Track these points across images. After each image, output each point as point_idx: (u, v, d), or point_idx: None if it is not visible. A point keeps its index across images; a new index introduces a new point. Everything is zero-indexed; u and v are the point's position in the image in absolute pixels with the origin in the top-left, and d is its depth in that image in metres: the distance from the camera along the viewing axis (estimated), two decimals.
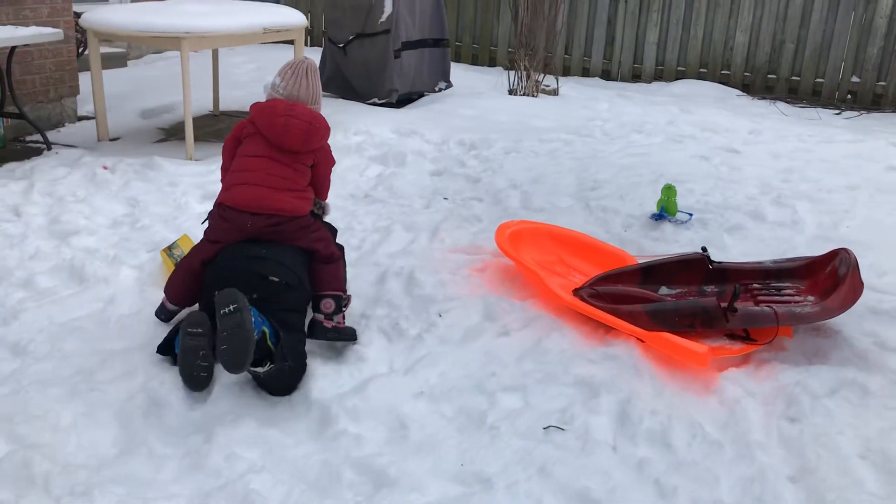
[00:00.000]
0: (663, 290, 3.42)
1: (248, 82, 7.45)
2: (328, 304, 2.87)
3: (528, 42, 7.51)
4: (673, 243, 4.08)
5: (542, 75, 7.61)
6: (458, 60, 9.73)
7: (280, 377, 2.58)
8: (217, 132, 5.90)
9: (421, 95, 7.27)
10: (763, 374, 2.88)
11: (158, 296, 3.14)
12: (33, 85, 5.67)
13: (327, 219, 3.34)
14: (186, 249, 3.38)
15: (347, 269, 3.50)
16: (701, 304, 3.06)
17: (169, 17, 4.89)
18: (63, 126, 5.96)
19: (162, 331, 2.94)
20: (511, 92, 7.60)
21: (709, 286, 3.41)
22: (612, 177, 5.15)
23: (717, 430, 2.55)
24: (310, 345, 2.83)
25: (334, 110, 6.38)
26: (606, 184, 5.00)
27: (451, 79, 7.55)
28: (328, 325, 2.88)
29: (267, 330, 2.53)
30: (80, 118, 6.13)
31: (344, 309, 2.96)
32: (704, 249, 3.45)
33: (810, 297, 3.17)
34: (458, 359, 2.89)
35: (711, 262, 3.42)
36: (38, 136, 5.36)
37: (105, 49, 7.55)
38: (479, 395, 2.69)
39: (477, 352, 2.94)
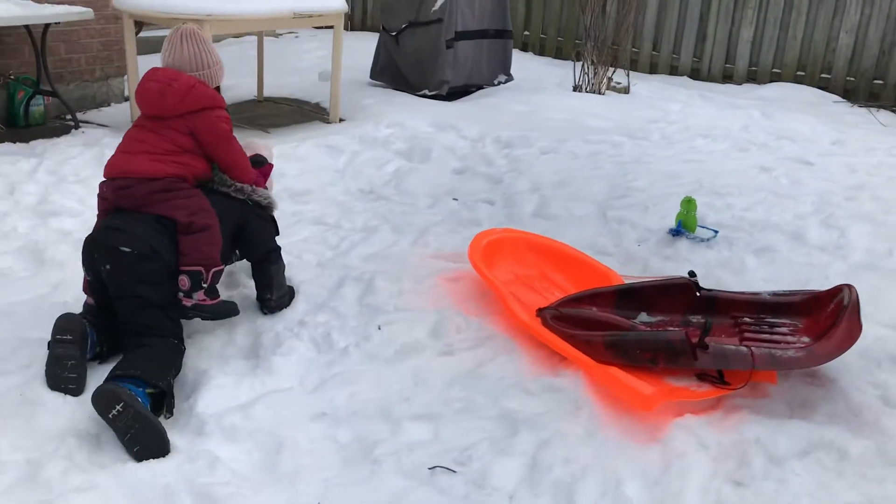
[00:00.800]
0: (642, 318, 3.02)
1: (307, 69, 7.35)
2: (183, 282, 2.63)
3: (597, 35, 7.07)
4: (683, 262, 3.64)
5: (611, 70, 7.15)
6: (541, 53, 9.38)
7: (137, 366, 2.40)
8: (250, 119, 5.83)
9: (479, 88, 6.97)
10: (728, 424, 2.47)
11: None
12: (79, 63, 5.77)
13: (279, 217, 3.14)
14: None
15: (313, 269, 3.30)
16: (665, 338, 2.66)
17: (194, 0, 4.81)
18: (108, 105, 6.04)
19: None
20: (576, 88, 7.18)
21: (695, 316, 2.98)
22: (649, 185, 4.70)
23: (640, 488, 2.18)
24: (219, 352, 2.64)
25: (378, 100, 6.22)
26: (638, 192, 4.57)
27: (512, 72, 7.20)
28: (187, 302, 2.65)
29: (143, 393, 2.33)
30: (127, 99, 6.19)
31: (204, 285, 2.66)
32: (692, 274, 3.03)
33: (805, 338, 2.71)
34: (379, 379, 2.62)
35: (700, 288, 3.00)
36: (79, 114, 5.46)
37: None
38: (384, 422, 2.41)
39: (404, 372, 2.66)
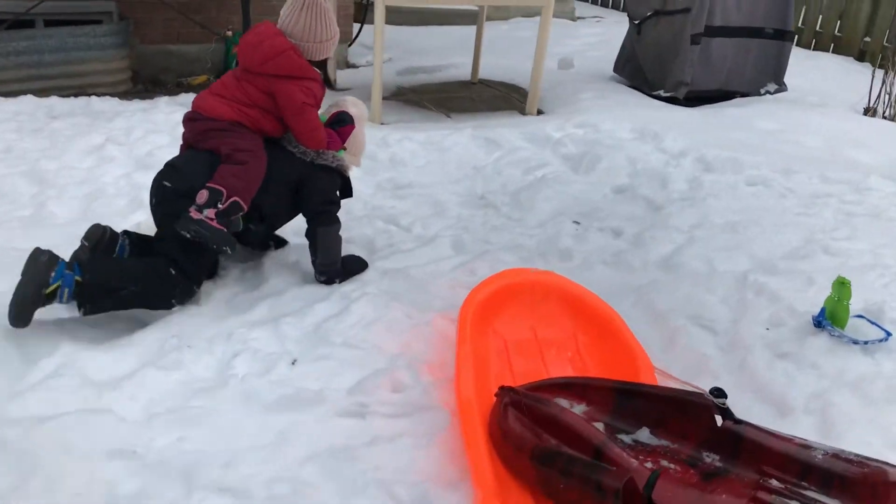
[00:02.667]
0: (640, 436, 2.09)
1: (559, 54, 6.72)
2: (201, 195, 2.57)
3: None
4: (805, 370, 2.53)
5: None
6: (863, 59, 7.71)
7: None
8: (443, 99, 5.43)
9: (738, 95, 5.81)
10: None
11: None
12: None
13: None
14: None
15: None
16: (598, 478, 1.77)
17: None
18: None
19: None
20: (867, 111, 5.65)
21: (710, 454, 1.99)
22: (845, 254, 3.42)
23: None
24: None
25: (595, 96, 5.47)
26: (823, 258, 3.34)
27: (787, 79, 5.89)
28: (194, 215, 2.55)
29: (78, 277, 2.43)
30: (350, 66, 6.17)
31: (221, 206, 2.57)
32: (718, 392, 2.01)
33: None
34: (230, 428, 2.08)
35: (726, 414, 1.99)
36: None
37: (460, 6, 7.53)
38: (180, 484, 1.89)
39: (267, 428, 2.09)
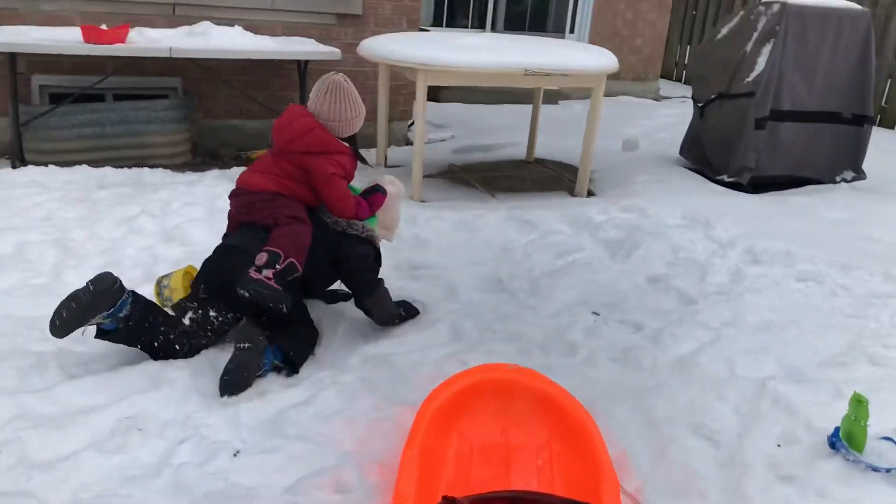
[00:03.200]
0: None
1: (631, 133, 6.57)
2: (260, 257, 2.72)
3: None
4: (812, 499, 2.23)
5: None
6: None
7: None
8: (490, 178, 5.34)
9: (811, 182, 5.47)
10: None
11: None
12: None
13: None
14: (178, 287, 3.05)
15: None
16: None
17: (414, 48, 4.53)
18: (390, 146, 6.08)
19: None
20: None
21: None
22: (888, 365, 3.08)
23: None
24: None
25: (651, 179, 5.28)
26: (856, 368, 3.02)
27: (866, 167, 5.52)
28: (254, 275, 2.68)
29: (277, 361, 2.71)
30: (409, 143, 6.19)
31: (279, 266, 2.71)
32: None
33: None
34: None
35: None
36: None
37: (515, 86, 7.55)
38: None
39: None
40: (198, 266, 3.10)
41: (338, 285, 3.23)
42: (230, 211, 3.00)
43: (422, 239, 4.07)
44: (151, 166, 4.97)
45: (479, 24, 8.62)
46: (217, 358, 2.75)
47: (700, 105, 5.61)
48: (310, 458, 2.26)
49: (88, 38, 4.57)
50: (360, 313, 3.10)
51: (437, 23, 8.53)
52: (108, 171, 4.74)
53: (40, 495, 2.04)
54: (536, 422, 2.40)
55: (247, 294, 2.65)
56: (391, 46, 4.58)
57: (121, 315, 2.60)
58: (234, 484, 2.13)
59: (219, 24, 5.10)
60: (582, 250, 4.12)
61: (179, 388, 2.58)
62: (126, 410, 2.43)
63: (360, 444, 2.34)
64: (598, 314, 3.42)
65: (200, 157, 5.47)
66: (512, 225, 4.38)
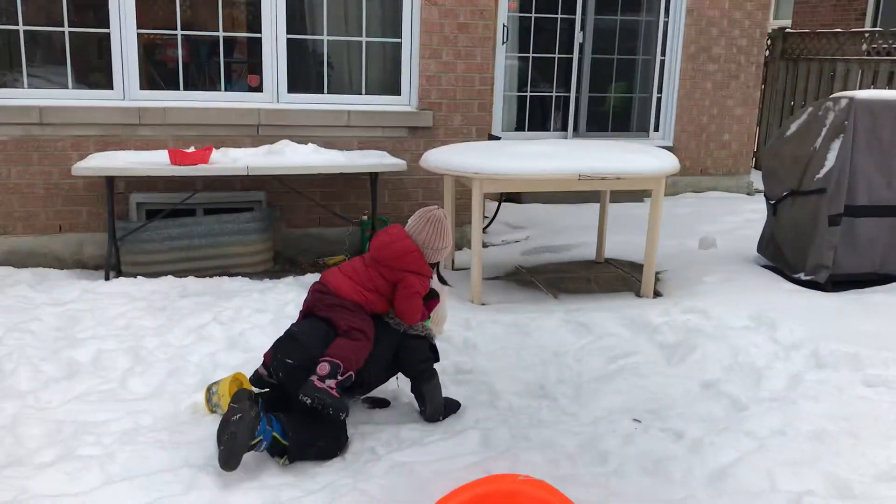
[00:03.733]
0: None
1: (710, 231, 6.48)
2: (323, 367, 2.97)
3: None
4: None
5: None
6: None
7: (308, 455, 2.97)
8: (554, 280, 5.37)
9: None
10: None
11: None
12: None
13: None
14: (225, 393, 3.26)
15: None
16: None
17: (470, 158, 4.72)
18: (459, 249, 6.24)
19: None
20: None
21: None
22: None
23: None
24: None
25: (721, 279, 5.20)
26: None
27: None
28: (318, 384, 2.93)
29: (276, 434, 2.88)
30: (483, 245, 6.33)
31: (340, 378, 2.98)
32: None
33: None
34: None
35: None
36: None
37: (569, 189, 7.72)
38: None
39: None
40: (247, 373, 3.32)
41: (382, 392, 3.44)
42: (307, 300, 3.30)
43: (472, 343, 4.13)
44: (232, 275, 5.29)
45: (562, 127, 8.80)
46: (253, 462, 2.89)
47: (772, 202, 5.50)
48: None
49: (175, 161, 5.00)
50: (396, 421, 3.18)
51: (519, 128, 8.76)
52: (190, 281, 5.08)
53: None
54: None
55: (309, 401, 2.91)
56: (450, 157, 4.79)
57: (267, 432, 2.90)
58: None
59: (298, 142, 5.47)
60: (635, 354, 4.07)
61: (206, 497, 2.71)
62: None
63: None
64: (639, 421, 3.36)
65: (280, 265, 5.77)
66: (568, 328, 4.38)
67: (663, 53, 8.83)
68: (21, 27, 5.37)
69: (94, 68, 5.58)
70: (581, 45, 8.65)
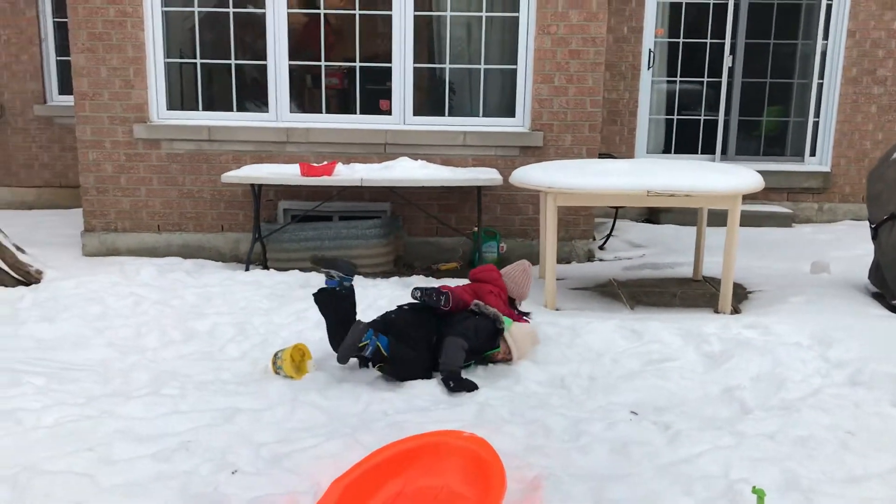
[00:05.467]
0: None
1: (814, 256, 6.37)
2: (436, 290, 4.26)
3: None
4: None
5: None
6: None
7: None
8: (639, 293, 5.59)
9: None
10: None
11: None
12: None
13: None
14: (287, 358, 3.98)
15: None
16: None
17: (547, 174, 5.13)
18: (570, 263, 6.61)
19: None
20: None
21: None
22: None
23: None
24: None
25: (807, 300, 5.21)
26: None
27: None
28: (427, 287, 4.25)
29: (381, 344, 3.80)
30: (590, 259, 6.65)
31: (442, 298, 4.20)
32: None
33: None
34: None
35: None
36: None
37: (771, 208, 7.83)
38: None
39: None
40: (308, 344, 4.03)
41: None
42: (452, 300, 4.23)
43: None
44: (359, 274, 6.06)
45: (709, 150, 8.82)
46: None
47: (873, 226, 5.36)
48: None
49: (304, 173, 5.87)
50: (416, 393, 3.72)
51: (666, 150, 8.89)
52: (312, 275, 5.90)
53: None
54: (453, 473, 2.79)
55: (419, 294, 4.14)
56: (531, 173, 5.22)
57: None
58: None
59: (416, 160, 6.16)
60: (675, 360, 4.26)
61: (234, 429, 3.39)
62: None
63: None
64: (636, 413, 3.61)
65: (398, 268, 6.47)
66: (620, 333, 4.63)
67: (821, 77, 8.58)
68: (198, 60, 6.54)
69: (252, 95, 6.64)
70: (731, 69, 8.65)
